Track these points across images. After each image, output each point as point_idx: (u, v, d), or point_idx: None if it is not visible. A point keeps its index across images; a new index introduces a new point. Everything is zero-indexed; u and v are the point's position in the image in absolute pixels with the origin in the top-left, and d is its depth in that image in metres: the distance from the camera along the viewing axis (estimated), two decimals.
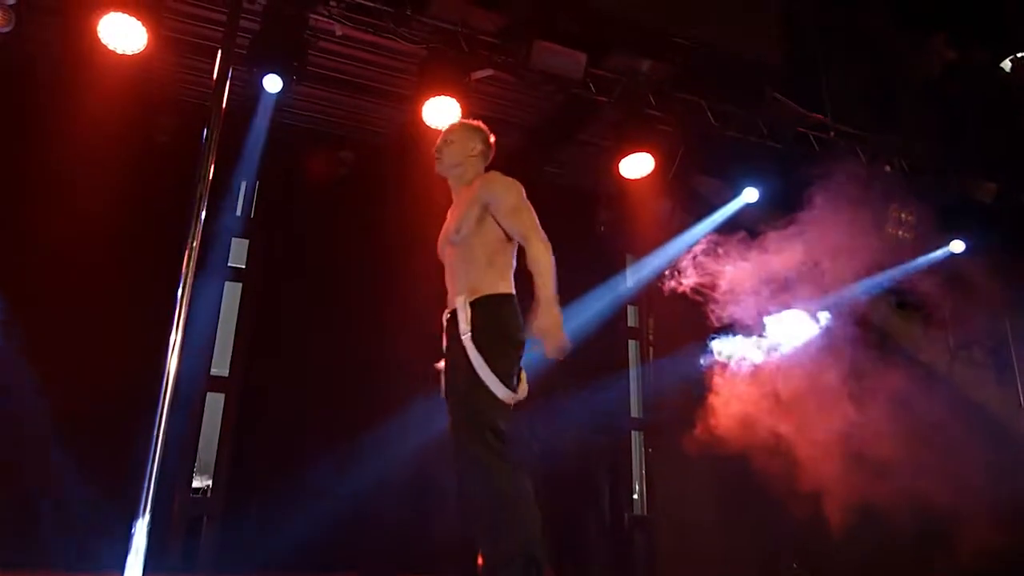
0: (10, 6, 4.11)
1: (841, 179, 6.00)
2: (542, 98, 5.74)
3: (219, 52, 3.89)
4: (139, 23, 4.23)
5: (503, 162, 6.01)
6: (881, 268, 6.28)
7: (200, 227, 3.10)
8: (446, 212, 3.43)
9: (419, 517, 5.60)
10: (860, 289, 6.09)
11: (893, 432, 5.39)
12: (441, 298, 3.23)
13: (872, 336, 6.40)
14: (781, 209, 6.03)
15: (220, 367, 5.70)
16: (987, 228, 6.51)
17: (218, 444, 5.53)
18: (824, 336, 6.00)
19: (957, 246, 6.66)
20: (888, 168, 6.42)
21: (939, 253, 6.54)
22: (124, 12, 4.17)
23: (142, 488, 2.56)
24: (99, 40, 4.29)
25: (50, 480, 4.39)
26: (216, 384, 5.62)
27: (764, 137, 6.05)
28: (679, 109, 5.78)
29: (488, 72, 5.23)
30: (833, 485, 5.41)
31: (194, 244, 2.59)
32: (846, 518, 5.47)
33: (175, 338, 2.48)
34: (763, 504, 5.72)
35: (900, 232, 6.47)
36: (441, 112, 5.01)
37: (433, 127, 5.02)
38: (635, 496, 6.73)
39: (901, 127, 6.68)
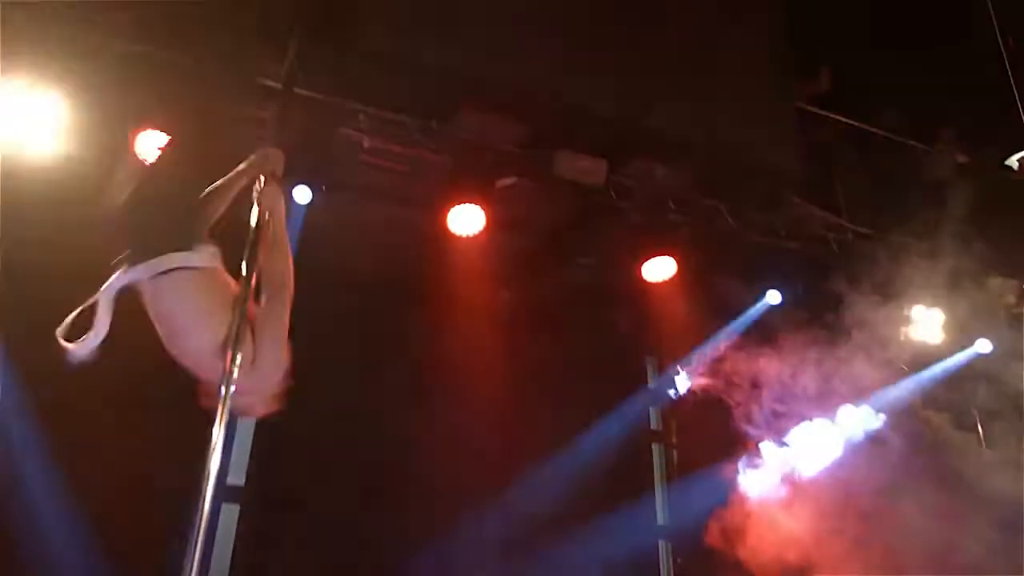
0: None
1: (862, 280, 6.01)
2: (565, 203, 5.81)
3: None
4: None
5: (524, 264, 6.10)
6: (909, 371, 6.19)
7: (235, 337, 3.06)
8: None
9: None
10: (892, 395, 5.98)
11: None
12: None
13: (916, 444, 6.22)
14: (804, 311, 6.01)
15: (236, 476, 5.56)
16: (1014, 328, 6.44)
17: (232, 556, 5.33)
18: (866, 446, 5.83)
19: (984, 346, 6.57)
20: (909, 268, 6.42)
21: (967, 354, 6.44)
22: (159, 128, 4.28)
23: None
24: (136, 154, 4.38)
25: None
26: (230, 494, 5.45)
27: (784, 239, 6.09)
28: (699, 213, 5.85)
29: (512, 180, 5.33)
30: None
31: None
32: None
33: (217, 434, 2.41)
34: None
35: (920, 332, 6.43)
36: (466, 219, 5.07)
37: (458, 234, 5.08)
38: None
39: (917, 225, 6.73)
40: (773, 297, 5.98)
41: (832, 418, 5.81)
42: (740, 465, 5.68)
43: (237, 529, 5.36)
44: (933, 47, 7.02)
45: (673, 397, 6.36)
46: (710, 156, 5.59)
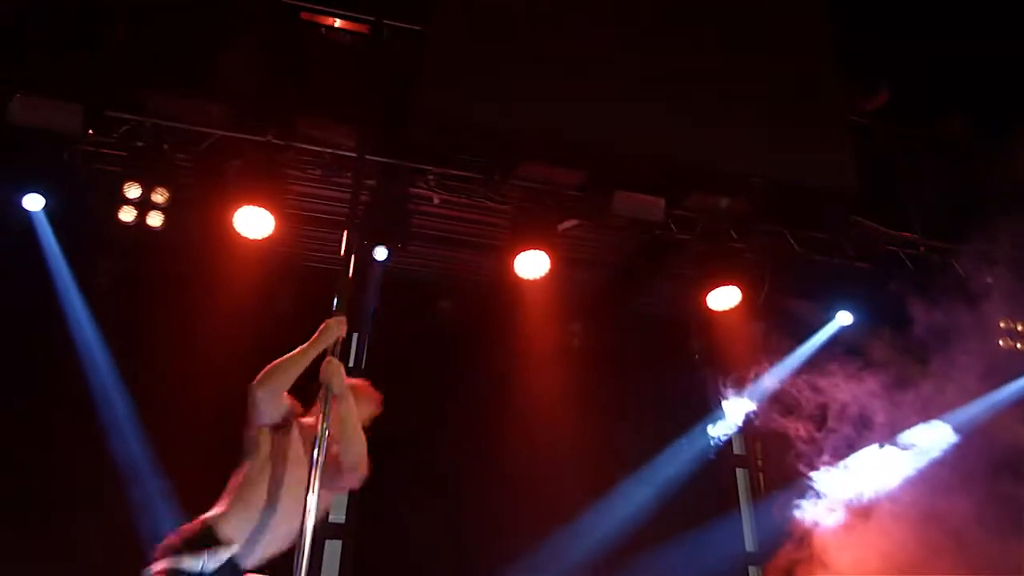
0: (163, 208, 4.84)
1: (940, 295, 5.91)
2: (626, 240, 6.05)
3: (344, 231, 4.42)
4: (268, 212, 4.88)
5: (591, 301, 6.34)
6: (998, 384, 6.01)
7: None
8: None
9: None
10: (979, 409, 5.83)
11: None
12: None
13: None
14: (880, 330, 5.96)
15: (337, 513, 5.99)
16: None
17: None
18: (953, 463, 5.70)
19: None
20: (990, 280, 6.27)
21: None
22: (255, 205, 4.84)
23: None
24: (233, 228, 4.95)
25: None
26: (333, 531, 5.88)
27: (851, 259, 6.09)
28: (762, 240, 5.95)
29: (573, 223, 5.62)
30: None
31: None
32: None
33: (313, 499, 2.77)
34: None
35: (1015, 344, 6.24)
36: (532, 263, 5.39)
37: (524, 277, 5.40)
38: None
39: (996, 235, 6.54)
40: (844, 318, 5.96)
41: (908, 439, 5.71)
42: (813, 491, 5.65)
43: (341, 561, 5.77)
44: (997, 42, 6.84)
45: (750, 421, 6.40)
46: (766, 184, 5.70)
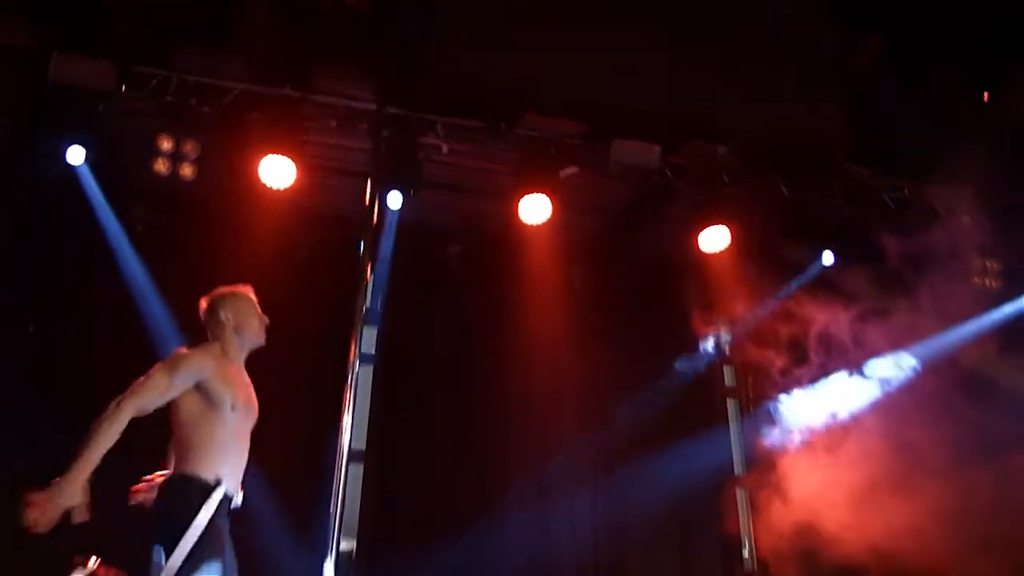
0: (193, 160, 5.23)
1: (921, 236, 6.29)
2: (625, 185, 6.42)
3: (367, 179, 4.83)
4: (291, 161, 5.27)
5: (591, 243, 6.76)
6: (969, 318, 6.44)
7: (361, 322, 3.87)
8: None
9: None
10: (950, 340, 6.28)
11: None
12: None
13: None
14: (860, 268, 6.36)
15: (358, 441, 6.53)
16: None
17: (359, 509, 6.32)
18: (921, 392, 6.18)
19: None
20: (967, 218, 6.63)
21: None
22: (279, 154, 5.22)
23: (329, 537, 3.26)
24: (258, 178, 5.35)
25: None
26: (355, 456, 6.42)
27: (839, 203, 6.46)
28: (754, 185, 6.31)
29: (574, 170, 5.99)
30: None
31: (359, 335, 3.33)
32: None
33: (347, 419, 3.23)
34: None
35: (988, 281, 6.65)
36: (535, 208, 5.79)
37: (528, 223, 5.81)
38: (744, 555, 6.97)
39: (981, 177, 6.85)
40: (827, 258, 6.37)
41: (876, 368, 6.20)
42: (789, 416, 6.18)
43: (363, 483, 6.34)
44: None
45: (736, 352, 6.92)
46: (760, 132, 6.04)
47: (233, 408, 3.07)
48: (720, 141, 6.11)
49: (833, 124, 6.14)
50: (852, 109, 6.47)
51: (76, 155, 5.10)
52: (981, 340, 6.52)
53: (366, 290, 3.47)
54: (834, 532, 5.60)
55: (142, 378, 2.93)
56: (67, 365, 5.52)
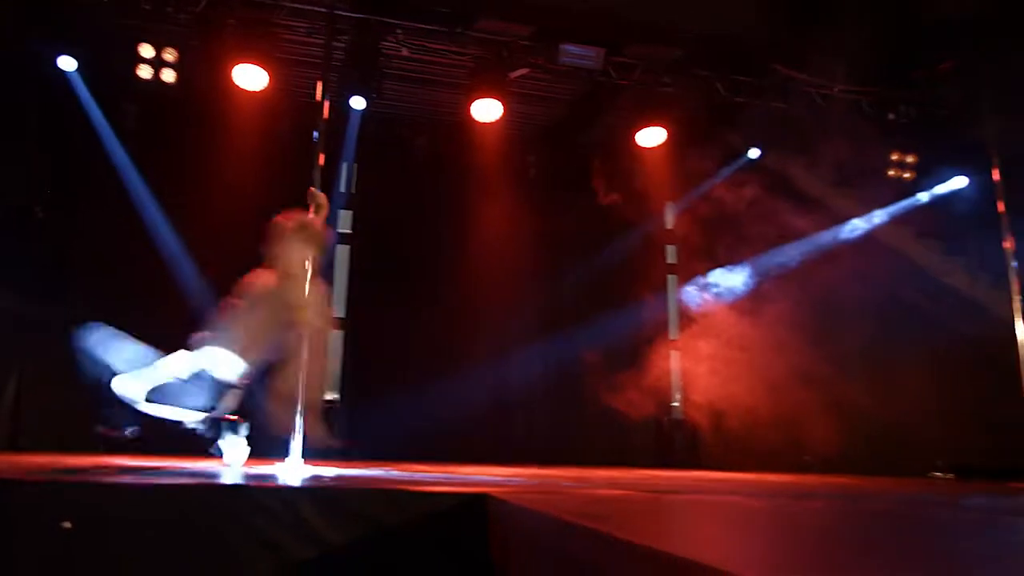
0: (173, 65, 5.78)
1: (846, 132, 6.93)
2: (572, 84, 6.96)
3: (319, 82, 5.40)
4: (262, 68, 5.82)
5: (540, 137, 7.40)
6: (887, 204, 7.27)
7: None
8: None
9: (499, 418, 7.30)
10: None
11: None
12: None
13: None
14: (786, 162, 7.06)
15: (339, 310, 7.50)
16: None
17: (340, 368, 7.40)
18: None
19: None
20: (891, 116, 7.22)
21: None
22: (251, 62, 5.77)
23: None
24: (234, 82, 5.92)
25: None
26: (336, 324, 7.42)
27: (771, 101, 7.02)
28: (691, 84, 6.86)
29: (524, 71, 6.52)
30: None
31: None
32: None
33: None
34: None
35: (903, 173, 7.36)
36: (486, 109, 6.40)
37: (480, 121, 6.45)
38: (674, 404, 8.16)
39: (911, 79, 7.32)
40: (753, 152, 7.04)
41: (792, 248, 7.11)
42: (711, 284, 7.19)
43: (344, 347, 7.36)
44: None
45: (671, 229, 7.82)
46: (697, 34, 6.51)
47: None
48: (662, 43, 6.59)
49: (768, 28, 6.56)
50: (782, 11, 6.84)
51: (67, 62, 5.65)
52: (896, 223, 7.36)
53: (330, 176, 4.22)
54: (734, 389, 6.73)
55: None
56: (72, 246, 6.39)
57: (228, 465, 3.77)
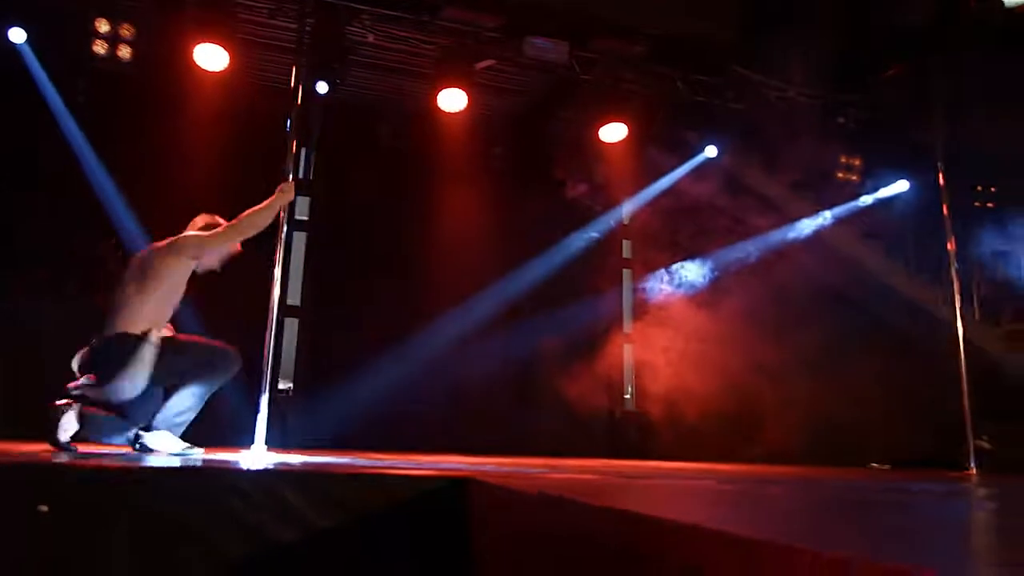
0: (130, 42, 5.62)
1: (801, 135, 7.15)
2: (537, 77, 7.01)
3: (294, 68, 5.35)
4: (223, 49, 5.70)
5: (505, 129, 7.44)
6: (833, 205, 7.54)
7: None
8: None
9: (454, 408, 7.32)
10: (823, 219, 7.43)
11: None
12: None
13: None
14: (742, 161, 7.26)
15: (294, 298, 7.40)
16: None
17: (295, 356, 7.31)
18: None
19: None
20: (841, 120, 7.49)
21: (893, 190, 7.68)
22: (212, 42, 5.65)
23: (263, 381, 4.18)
24: (194, 62, 5.79)
25: None
26: (291, 311, 7.32)
27: (728, 101, 7.20)
28: (653, 82, 6.98)
29: (490, 62, 6.54)
30: None
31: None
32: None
33: (277, 271, 4.06)
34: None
35: (850, 176, 7.64)
36: (451, 99, 6.39)
37: (445, 111, 6.44)
38: (627, 396, 8.31)
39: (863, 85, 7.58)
40: (710, 151, 7.21)
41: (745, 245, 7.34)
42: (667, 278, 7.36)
43: (298, 336, 7.27)
44: None
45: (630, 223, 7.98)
46: (660, 33, 6.63)
47: None
48: (626, 39, 6.69)
49: (727, 28, 6.73)
50: (745, 15, 7.02)
51: (18, 35, 5.43)
52: (843, 224, 7.65)
53: (295, 163, 4.19)
54: (690, 381, 6.92)
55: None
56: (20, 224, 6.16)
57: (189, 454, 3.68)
